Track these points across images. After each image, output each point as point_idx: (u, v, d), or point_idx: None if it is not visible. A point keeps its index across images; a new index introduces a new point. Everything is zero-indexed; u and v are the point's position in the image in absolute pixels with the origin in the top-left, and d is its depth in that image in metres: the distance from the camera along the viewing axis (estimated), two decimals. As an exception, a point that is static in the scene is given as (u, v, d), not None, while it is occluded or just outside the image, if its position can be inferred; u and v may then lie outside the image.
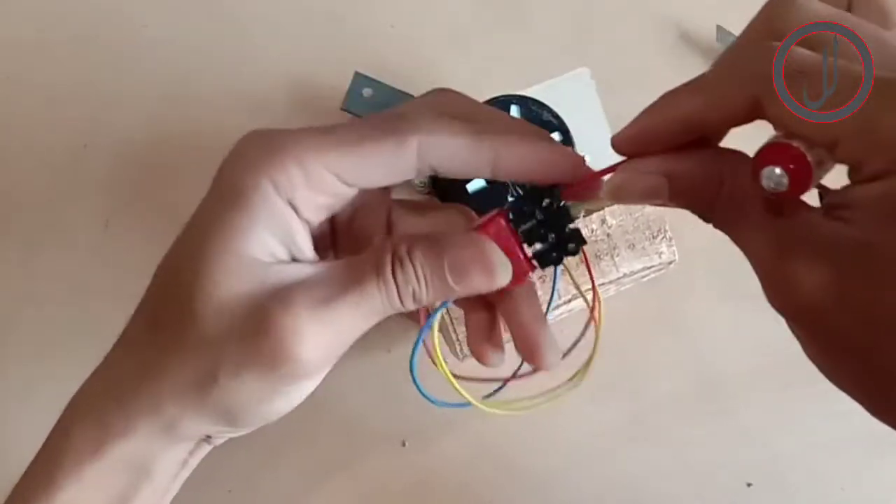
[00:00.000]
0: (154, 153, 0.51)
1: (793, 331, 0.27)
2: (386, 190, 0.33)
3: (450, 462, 0.47)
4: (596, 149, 0.40)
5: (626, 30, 0.53)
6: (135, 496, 0.30)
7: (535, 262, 0.29)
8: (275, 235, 0.29)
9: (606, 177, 0.28)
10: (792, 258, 0.25)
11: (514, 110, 0.37)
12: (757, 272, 0.27)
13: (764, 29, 0.28)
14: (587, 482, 0.47)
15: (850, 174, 0.24)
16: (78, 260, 0.50)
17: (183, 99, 0.51)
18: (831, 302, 0.24)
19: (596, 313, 0.33)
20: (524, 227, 0.29)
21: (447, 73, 0.51)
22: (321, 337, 0.28)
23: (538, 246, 0.29)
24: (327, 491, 0.47)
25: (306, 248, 0.30)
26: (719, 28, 0.51)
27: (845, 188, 0.24)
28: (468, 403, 0.31)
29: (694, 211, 0.28)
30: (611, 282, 0.44)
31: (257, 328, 0.28)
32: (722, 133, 0.28)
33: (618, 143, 0.29)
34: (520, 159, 0.29)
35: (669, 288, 0.48)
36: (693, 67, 0.52)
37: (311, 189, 0.29)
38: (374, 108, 0.49)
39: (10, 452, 0.47)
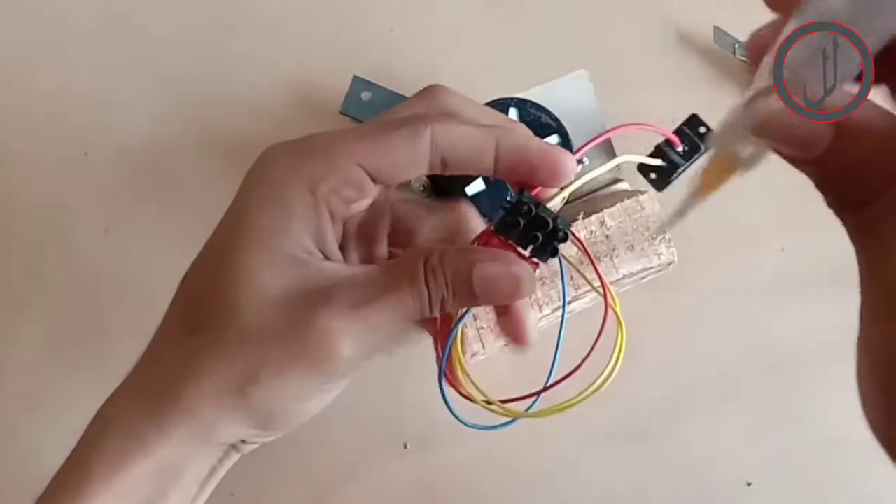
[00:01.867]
0: (154, 159, 0.51)
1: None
2: (387, 194, 0.35)
3: (452, 464, 0.47)
4: (594, 151, 0.40)
5: (623, 31, 0.53)
6: (163, 502, 0.31)
7: (536, 260, 0.31)
8: (309, 233, 0.30)
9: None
10: None
11: (513, 113, 0.37)
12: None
13: None
14: (587, 482, 0.47)
15: None
16: (79, 266, 0.50)
17: (183, 105, 0.51)
18: None
19: (615, 308, 0.34)
20: (513, 233, 0.31)
21: (445, 76, 0.51)
22: (360, 336, 0.29)
23: (532, 247, 0.31)
24: (329, 493, 0.47)
25: (334, 247, 0.31)
26: (716, 29, 0.51)
27: None
28: (496, 426, 0.34)
29: (841, 191, 0.21)
30: (610, 283, 0.44)
31: (303, 326, 0.29)
32: None
33: None
34: (517, 147, 0.31)
35: (668, 289, 0.49)
36: (691, 68, 0.52)
37: (341, 182, 0.30)
38: (373, 112, 0.49)
39: (14, 458, 0.48)
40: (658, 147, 0.39)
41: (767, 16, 0.47)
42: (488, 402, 0.34)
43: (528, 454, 0.47)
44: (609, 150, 0.41)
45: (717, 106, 0.50)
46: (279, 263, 0.29)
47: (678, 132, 0.38)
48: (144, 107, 0.52)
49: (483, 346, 0.40)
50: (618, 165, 0.41)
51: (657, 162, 0.38)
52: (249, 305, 0.29)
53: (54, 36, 0.53)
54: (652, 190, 0.40)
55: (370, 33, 0.52)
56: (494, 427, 0.35)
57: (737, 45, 0.50)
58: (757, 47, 0.25)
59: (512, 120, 0.35)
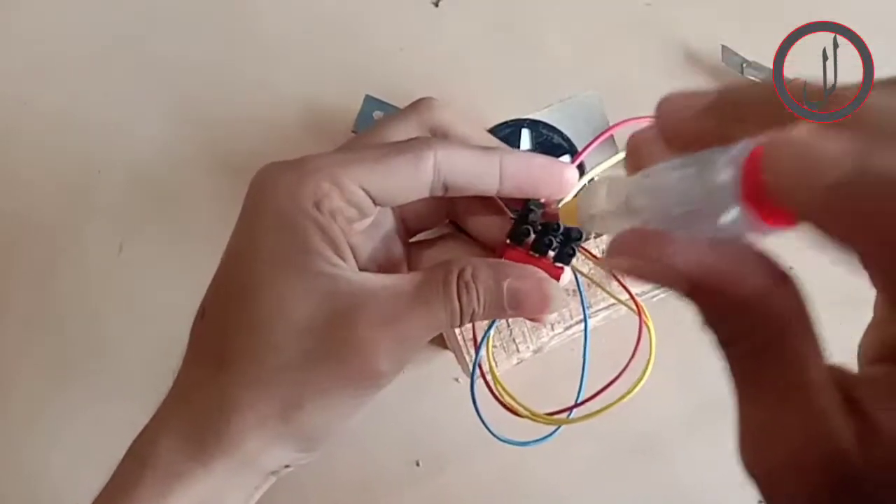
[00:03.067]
0: (167, 177, 0.51)
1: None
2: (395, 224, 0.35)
3: (464, 482, 0.47)
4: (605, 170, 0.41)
5: (632, 52, 0.53)
6: None
7: (560, 265, 0.33)
8: (329, 245, 0.30)
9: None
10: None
11: (525, 134, 0.37)
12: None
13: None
14: (600, 501, 0.47)
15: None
16: (92, 284, 0.50)
17: (196, 124, 0.52)
18: None
19: (646, 315, 0.35)
20: (527, 241, 0.33)
21: (455, 95, 0.51)
22: (395, 349, 0.29)
23: (550, 254, 0.33)
24: (340, 511, 0.47)
25: (350, 258, 0.31)
26: (724, 48, 0.51)
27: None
28: (533, 441, 0.37)
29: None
30: (623, 301, 0.44)
31: (340, 345, 0.29)
32: None
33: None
34: (521, 167, 0.32)
35: (679, 307, 0.49)
36: (699, 87, 0.52)
37: (343, 202, 0.30)
38: (385, 131, 0.49)
39: (21, 478, 0.48)
40: None
41: (774, 34, 0.47)
42: (535, 415, 0.35)
43: (540, 472, 0.47)
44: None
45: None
46: (306, 284, 0.29)
47: None
48: (157, 126, 0.52)
49: (496, 364, 0.40)
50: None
51: None
52: (282, 333, 0.29)
53: (68, 56, 0.54)
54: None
55: (381, 53, 0.53)
56: (528, 443, 0.36)
57: (744, 64, 0.50)
58: (637, 149, 0.25)
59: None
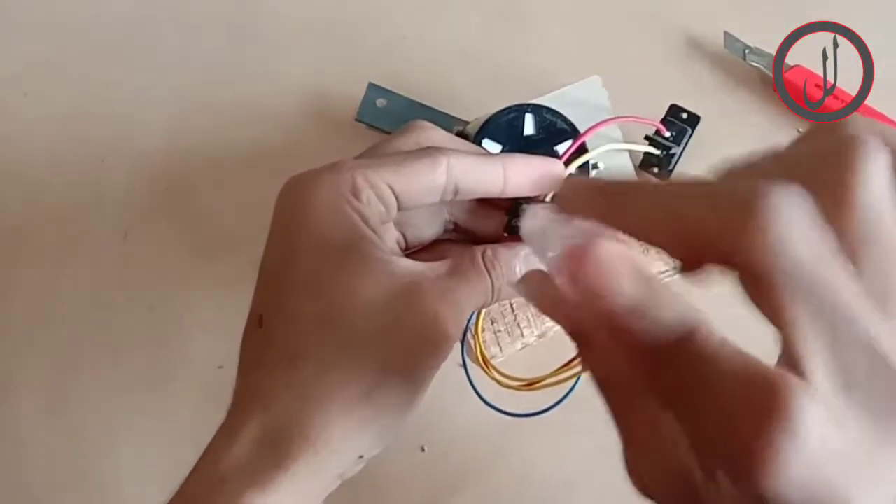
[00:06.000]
0: (171, 166, 0.52)
1: None
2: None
3: (469, 468, 0.47)
4: (607, 154, 0.41)
5: (635, 37, 0.53)
6: None
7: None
8: (378, 235, 0.32)
9: None
10: None
11: (529, 118, 0.38)
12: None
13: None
14: (606, 491, 0.48)
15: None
16: (97, 272, 0.50)
17: (199, 112, 0.52)
18: None
19: None
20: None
21: (459, 82, 0.52)
22: (454, 318, 0.32)
23: None
24: (346, 497, 0.47)
25: (387, 245, 0.33)
26: (727, 34, 0.51)
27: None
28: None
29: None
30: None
31: (411, 319, 0.31)
32: None
33: None
34: (522, 168, 0.35)
35: (681, 293, 0.49)
36: (701, 73, 0.52)
37: (376, 198, 0.33)
38: (388, 118, 0.49)
39: (33, 471, 0.48)
40: (648, 137, 0.42)
41: (777, 21, 0.47)
42: (531, 384, 0.38)
43: (547, 461, 0.47)
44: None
45: (728, 110, 0.51)
46: (369, 267, 0.31)
47: (663, 123, 0.41)
48: (160, 115, 0.52)
49: (501, 349, 0.40)
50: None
51: (654, 150, 0.42)
52: (358, 315, 0.30)
53: (71, 45, 0.54)
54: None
55: (385, 41, 0.53)
56: (530, 414, 0.38)
57: (747, 51, 0.50)
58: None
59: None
